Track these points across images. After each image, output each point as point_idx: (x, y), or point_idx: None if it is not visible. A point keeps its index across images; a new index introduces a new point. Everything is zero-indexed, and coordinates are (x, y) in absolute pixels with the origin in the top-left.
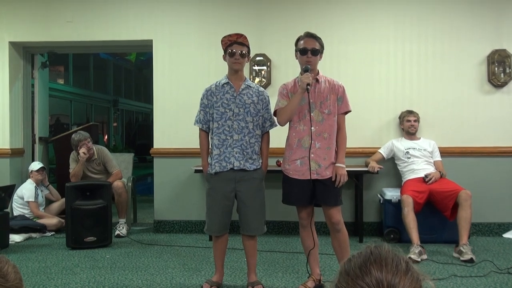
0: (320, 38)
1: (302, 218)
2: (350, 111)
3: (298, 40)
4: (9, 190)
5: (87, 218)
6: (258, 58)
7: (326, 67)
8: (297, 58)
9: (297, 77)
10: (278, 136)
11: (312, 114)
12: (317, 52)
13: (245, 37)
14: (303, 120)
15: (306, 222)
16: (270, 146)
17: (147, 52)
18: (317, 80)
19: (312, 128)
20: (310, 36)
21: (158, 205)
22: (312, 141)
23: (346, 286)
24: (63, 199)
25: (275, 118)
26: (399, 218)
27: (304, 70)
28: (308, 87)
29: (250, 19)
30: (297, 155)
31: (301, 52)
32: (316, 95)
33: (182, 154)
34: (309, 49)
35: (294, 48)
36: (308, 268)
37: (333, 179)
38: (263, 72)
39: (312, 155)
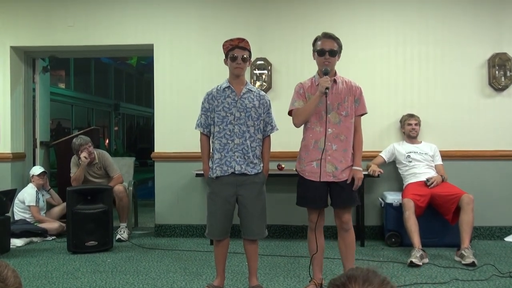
0: (338, 38)
1: (312, 221)
2: (367, 113)
3: (315, 40)
4: (10, 195)
5: (88, 222)
6: (259, 62)
7: None
8: (314, 59)
9: (314, 76)
10: (279, 140)
11: (329, 115)
12: (335, 53)
13: (247, 42)
14: (320, 121)
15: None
16: (271, 150)
17: (148, 56)
18: (334, 81)
19: (329, 130)
20: (328, 36)
21: (159, 209)
22: (329, 143)
23: None
24: (64, 203)
25: (276, 122)
26: (401, 221)
27: (324, 73)
28: (327, 90)
29: (251, 23)
30: (313, 157)
31: (319, 53)
32: (333, 96)
33: (183, 158)
34: (327, 50)
35: (312, 48)
36: (310, 272)
37: (349, 182)
38: (264, 76)
39: (329, 157)
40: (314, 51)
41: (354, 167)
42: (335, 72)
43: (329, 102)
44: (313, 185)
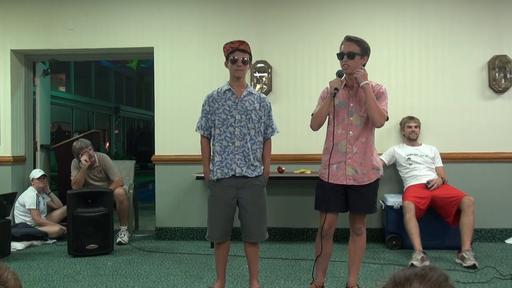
0: (361, 41)
1: (323, 227)
2: (387, 111)
3: (340, 45)
4: (11, 198)
5: (89, 226)
6: (259, 65)
7: (328, 75)
8: None
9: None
10: (280, 143)
11: (351, 118)
12: (353, 55)
13: (247, 44)
14: (341, 124)
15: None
16: (272, 152)
17: (149, 59)
18: (359, 84)
19: (350, 132)
20: (347, 40)
21: (159, 212)
22: (350, 146)
23: None
24: (65, 207)
25: (276, 125)
26: (401, 224)
27: (337, 75)
28: (336, 91)
29: (252, 26)
30: (333, 160)
31: (339, 56)
32: (357, 99)
33: (183, 161)
34: (345, 53)
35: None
36: (314, 274)
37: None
38: (264, 79)
39: (349, 160)
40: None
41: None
42: None
43: (352, 105)
44: (332, 188)
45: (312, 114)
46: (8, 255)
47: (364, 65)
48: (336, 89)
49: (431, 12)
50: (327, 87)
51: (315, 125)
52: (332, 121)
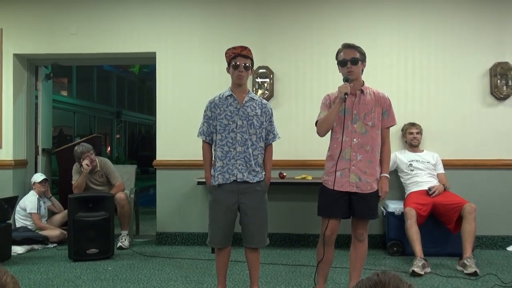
0: (359, 47)
1: (325, 234)
2: (395, 124)
3: (338, 53)
4: (12, 202)
5: (90, 230)
6: (261, 71)
7: (329, 81)
8: (340, 72)
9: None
10: (281, 148)
11: (355, 125)
12: (357, 61)
13: (249, 50)
14: (345, 131)
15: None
16: (273, 158)
17: (151, 64)
18: (362, 91)
19: (354, 139)
20: (348, 46)
21: (160, 217)
22: (354, 153)
23: None
24: (66, 211)
25: (278, 131)
26: (402, 230)
27: (344, 80)
28: (346, 96)
29: (254, 32)
30: (338, 167)
31: (341, 63)
32: (360, 106)
33: (184, 166)
34: (348, 59)
35: (336, 62)
36: (315, 280)
37: (379, 192)
38: (265, 84)
39: (353, 168)
40: (337, 64)
41: (383, 174)
42: (363, 82)
43: (355, 112)
44: (335, 195)
45: (316, 122)
46: (9, 259)
47: (362, 70)
48: (346, 93)
49: (433, 20)
50: (328, 94)
51: (323, 131)
52: (336, 128)
